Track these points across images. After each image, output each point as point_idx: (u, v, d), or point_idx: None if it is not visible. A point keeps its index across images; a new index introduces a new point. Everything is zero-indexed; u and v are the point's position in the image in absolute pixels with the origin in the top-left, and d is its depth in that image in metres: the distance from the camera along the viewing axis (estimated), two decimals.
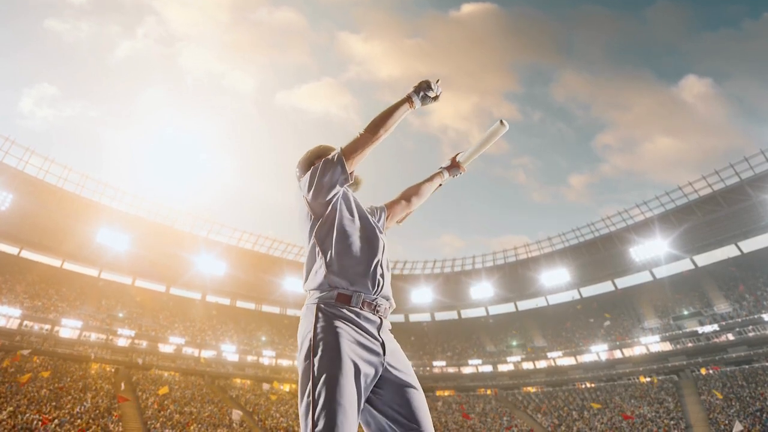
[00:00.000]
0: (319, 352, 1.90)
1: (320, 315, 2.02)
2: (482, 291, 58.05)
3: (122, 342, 42.21)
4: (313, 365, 1.88)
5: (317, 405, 1.77)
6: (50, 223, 42.83)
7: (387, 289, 2.21)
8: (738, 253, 45.16)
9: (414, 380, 2.08)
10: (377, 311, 2.12)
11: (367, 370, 1.95)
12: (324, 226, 2.18)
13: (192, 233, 49.61)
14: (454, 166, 2.77)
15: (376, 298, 2.13)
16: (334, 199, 2.21)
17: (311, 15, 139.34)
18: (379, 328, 2.10)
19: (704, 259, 47.32)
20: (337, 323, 1.99)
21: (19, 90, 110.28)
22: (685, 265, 47.90)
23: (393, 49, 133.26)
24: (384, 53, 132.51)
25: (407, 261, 59.81)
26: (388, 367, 2.04)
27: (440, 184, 2.82)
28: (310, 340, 1.95)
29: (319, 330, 1.97)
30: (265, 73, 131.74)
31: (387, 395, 2.01)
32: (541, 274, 54.50)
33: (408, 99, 2.23)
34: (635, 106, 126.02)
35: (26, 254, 43.39)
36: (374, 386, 2.00)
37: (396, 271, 59.30)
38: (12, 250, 42.53)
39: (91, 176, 43.51)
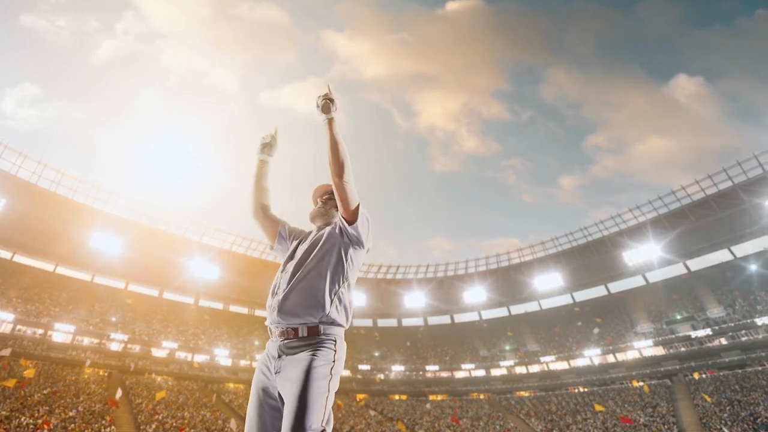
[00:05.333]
0: None
1: None
2: (475, 295, 58.10)
3: (115, 346, 42.13)
4: None
5: None
6: (43, 227, 42.87)
7: (280, 313, 2.41)
8: (731, 257, 45.31)
9: (287, 405, 2.19)
10: (274, 334, 2.44)
11: (261, 387, 2.35)
12: None
13: (185, 237, 49.67)
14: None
15: (270, 324, 2.48)
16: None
17: (294, 12, 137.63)
18: (277, 350, 2.37)
19: (697, 263, 47.46)
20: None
21: (2, 89, 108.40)
22: (678, 269, 48.06)
23: (378, 47, 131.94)
24: (369, 52, 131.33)
25: (400, 265, 59.81)
26: (278, 386, 2.30)
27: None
28: None
29: None
30: (250, 72, 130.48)
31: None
32: (534, 279, 54.58)
33: (260, 162, 2.95)
34: (626, 106, 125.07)
35: (19, 258, 43.50)
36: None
37: (389, 276, 59.36)
38: (5, 254, 42.65)
39: (84, 180, 43.69)
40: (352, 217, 2.48)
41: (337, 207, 2.65)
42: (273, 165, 2.97)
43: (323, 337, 2.35)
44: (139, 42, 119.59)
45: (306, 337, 2.34)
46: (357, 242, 2.53)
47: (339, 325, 2.43)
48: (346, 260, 2.51)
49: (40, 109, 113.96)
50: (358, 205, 2.49)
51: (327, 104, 2.48)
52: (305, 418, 2.07)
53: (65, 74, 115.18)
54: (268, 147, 2.93)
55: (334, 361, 2.31)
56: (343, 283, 2.49)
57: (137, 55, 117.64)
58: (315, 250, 2.53)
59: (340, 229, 2.54)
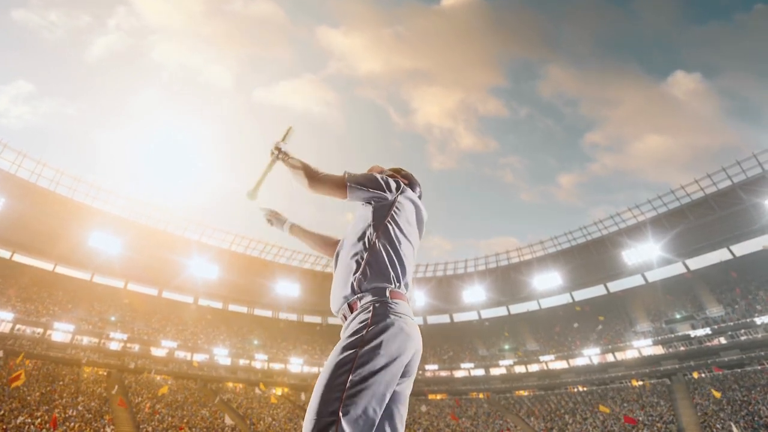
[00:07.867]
0: None
1: None
2: (474, 295, 58.10)
3: (114, 345, 42.15)
4: None
5: None
6: (42, 226, 42.84)
7: (332, 305, 2.30)
8: (730, 256, 45.30)
9: None
10: None
11: None
12: None
13: (184, 236, 49.66)
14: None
15: None
16: None
17: (289, 8, 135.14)
18: None
19: (697, 262, 47.45)
20: None
21: None
22: (677, 268, 48.03)
23: (374, 43, 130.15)
24: (364, 48, 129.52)
25: None
26: None
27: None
28: None
29: None
30: (245, 69, 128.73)
31: None
32: (533, 278, 54.56)
33: (289, 230, 2.85)
34: (624, 103, 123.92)
35: (18, 258, 43.48)
36: None
37: None
38: (4, 253, 42.62)
39: (83, 179, 43.61)
40: (345, 193, 2.31)
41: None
42: (296, 215, 2.89)
43: (360, 309, 2.07)
44: (132, 38, 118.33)
45: (349, 316, 2.13)
46: (376, 197, 2.34)
47: (376, 285, 2.10)
48: (371, 219, 2.29)
49: (34, 107, 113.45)
50: (342, 179, 2.30)
51: (281, 153, 2.47)
52: (313, 406, 1.78)
53: (59, 71, 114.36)
54: (276, 219, 2.83)
55: (363, 330, 1.94)
56: (369, 241, 2.23)
57: (131, 52, 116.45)
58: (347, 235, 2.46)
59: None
